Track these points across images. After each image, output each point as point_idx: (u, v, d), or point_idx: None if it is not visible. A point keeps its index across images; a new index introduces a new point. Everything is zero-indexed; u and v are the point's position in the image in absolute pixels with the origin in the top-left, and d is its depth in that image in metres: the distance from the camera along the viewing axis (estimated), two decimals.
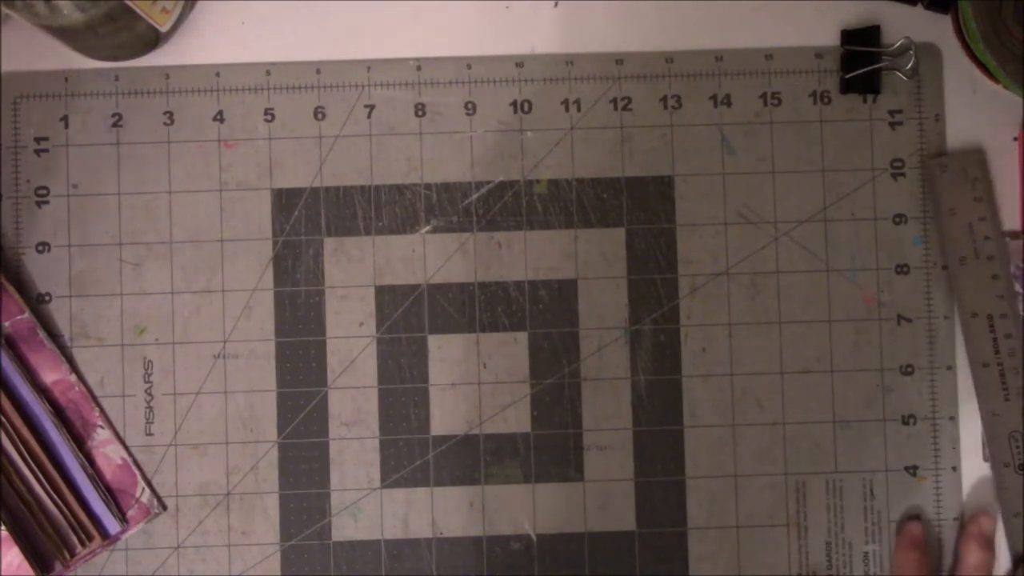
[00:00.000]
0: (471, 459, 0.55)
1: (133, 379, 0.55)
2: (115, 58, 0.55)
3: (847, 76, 0.55)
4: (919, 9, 0.56)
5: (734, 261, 0.56)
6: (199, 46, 0.56)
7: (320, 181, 0.56)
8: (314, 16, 0.56)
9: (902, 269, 0.56)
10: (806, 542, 0.55)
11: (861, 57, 0.56)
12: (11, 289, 0.54)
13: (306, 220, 0.56)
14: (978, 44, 0.52)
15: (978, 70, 0.55)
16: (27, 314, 0.54)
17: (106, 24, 0.51)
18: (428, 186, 0.56)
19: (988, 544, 0.53)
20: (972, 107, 0.56)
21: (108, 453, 0.55)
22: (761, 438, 0.55)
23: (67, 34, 0.51)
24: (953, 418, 0.56)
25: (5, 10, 0.51)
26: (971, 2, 0.52)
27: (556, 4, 0.56)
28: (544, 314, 0.56)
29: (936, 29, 0.56)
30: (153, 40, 0.55)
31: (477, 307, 0.56)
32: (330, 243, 0.56)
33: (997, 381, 0.54)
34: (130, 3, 0.51)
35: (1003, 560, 0.55)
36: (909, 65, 0.56)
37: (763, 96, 0.56)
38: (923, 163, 0.56)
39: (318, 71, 0.56)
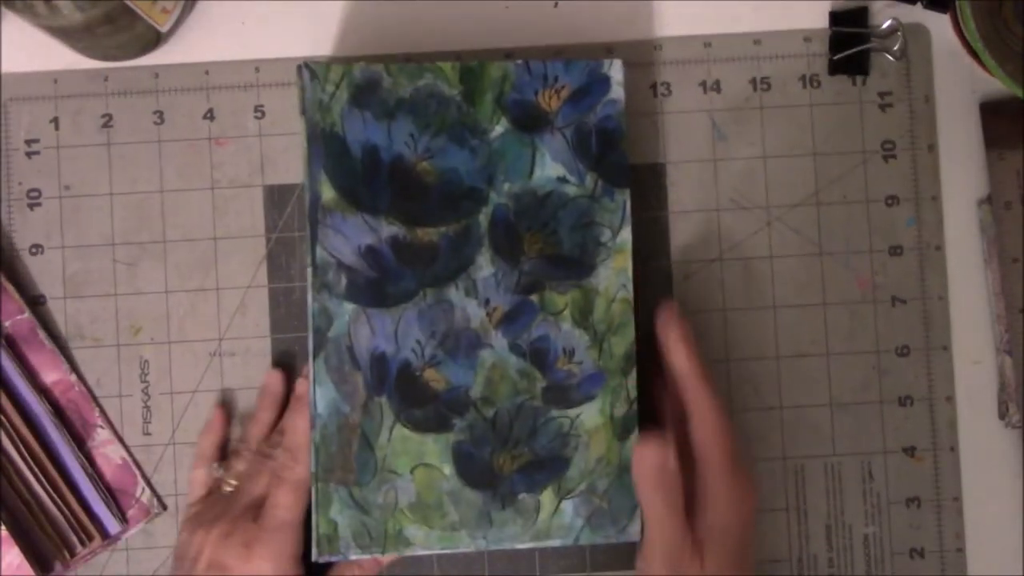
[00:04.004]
0: None
1: (130, 379, 0.58)
2: (115, 58, 0.58)
3: (835, 57, 0.58)
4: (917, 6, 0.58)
5: (727, 247, 0.58)
6: (198, 47, 0.59)
7: None
8: (313, 14, 0.59)
9: (895, 251, 0.59)
10: (806, 526, 0.58)
11: (849, 39, 0.58)
12: (11, 289, 0.57)
13: (299, 216, 0.58)
14: (977, 43, 0.55)
15: (977, 66, 0.58)
16: (27, 314, 0.57)
17: (106, 24, 0.53)
18: None
19: (690, 334, 0.52)
20: (962, 88, 0.59)
21: (108, 453, 0.57)
22: (758, 423, 0.58)
23: (67, 34, 0.54)
24: (950, 398, 0.58)
25: (4, 10, 0.53)
26: (970, 0, 0.54)
27: (556, 4, 0.59)
28: None
29: (924, 11, 0.59)
30: (153, 40, 0.57)
31: None
32: None
33: None
34: (130, 3, 0.53)
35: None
36: (897, 46, 0.58)
37: (752, 81, 0.59)
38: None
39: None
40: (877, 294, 0.59)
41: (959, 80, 0.59)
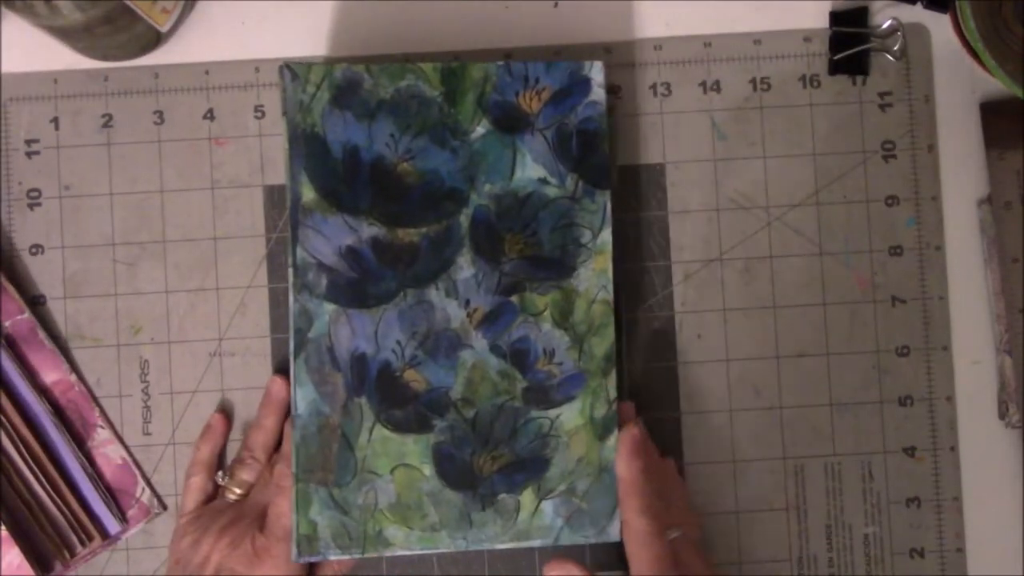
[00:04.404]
0: None
1: (130, 379, 0.58)
2: (115, 58, 0.58)
3: (835, 57, 0.58)
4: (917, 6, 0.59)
5: (727, 247, 0.59)
6: (198, 47, 0.59)
7: None
8: (313, 14, 0.59)
9: (895, 251, 0.59)
10: (806, 526, 0.58)
11: (849, 38, 0.58)
12: (11, 289, 0.57)
13: None
14: (977, 43, 0.55)
15: (977, 66, 0.58)
16: (27, 314, 0.57)
17: (106, 24, 0.54)
18: None
19: (639, 452, 0.53)
20: (962, 88, 0.59)
21: (108, 453, 0.58)
22: (758, 423, 0.58)
23: (67, 34, 0.54)
24: (950, 398, 0.58)
25: (4, 10, 0.53)
26: (970, 0, 0.55)
27: (556, 4, 0.59)
28: None
29: (924, 11, 0.59)
30: (154, 40, 0.58)
31: None
32: None
33: None
34: (130, 3, 0.53)
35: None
36: (897, 46, 0.59)
37: (752, 81, 0.59)
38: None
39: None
40: (877, 294, 0.59)
41: (959, 80, 0.59)
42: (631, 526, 0.51)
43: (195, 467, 0.57)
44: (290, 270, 0.52)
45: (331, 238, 0.53)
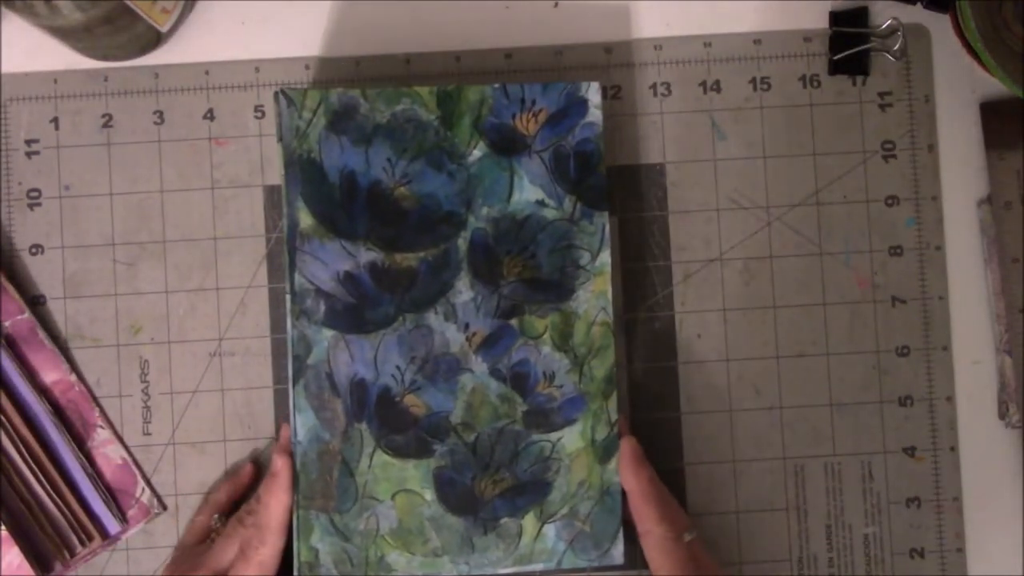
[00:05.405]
0: None
1: (130, 379, 0.58)
2: (115, 58, 0.58)
3: (835, 58, 0.58)
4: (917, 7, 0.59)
5: (727, 247, 0.59)
6: (198, 47, 0.59)
7: None
8: (312, 14, 0.59)
9: (895, 251, 0.59)
10: (806, 526, 0.58)
11: (849, 39, 0.58)
12: (11, 289, 0.57)
13: None
14: (977, 43, 0.55)
15: (977, 66, 0.58)
16: (27, 314, 0.57)
17: (106, 24, 0.54)
18: None
19: (643, 461, 0.54)
20: (962, 88, 0.59)
21: (108, 453, 0.58)
22: (758, 423, 0.58)
23: (67, 34, 0.54)
24: (950, 398, 0.58)
25: (4, 10, 0.53)
26: (970, 0, 0.55)
27: (556, 4, 0.59)
28: None
29: (924, 11, 0.59)
30: (154, 40, 0.58)
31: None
32: None
33: None
34: (130, 3, 0.53)
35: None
36: (897, 46, 0.59)
37: (752, 81, 0.59)
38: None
39: (307, 67, 0.59)
40: (877, 294, 0.59)
41: (959, 80, 0.59)
42: (653, 534, 0.52)
43: (207, 507, 0.56)
44: (287, 296, 0.52)
45: (329, 264, 0.53)
